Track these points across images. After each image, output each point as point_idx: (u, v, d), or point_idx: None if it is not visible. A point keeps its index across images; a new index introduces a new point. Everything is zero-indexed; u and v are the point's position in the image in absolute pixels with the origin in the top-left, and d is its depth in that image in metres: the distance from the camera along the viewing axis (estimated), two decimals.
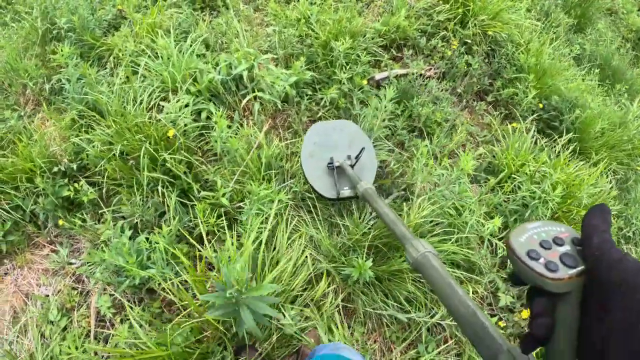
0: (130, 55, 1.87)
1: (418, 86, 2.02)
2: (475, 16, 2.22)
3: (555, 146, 2.01)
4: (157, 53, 1.83)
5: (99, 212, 1.67)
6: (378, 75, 2.00)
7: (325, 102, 1.87)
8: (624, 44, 3.15)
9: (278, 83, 1.77)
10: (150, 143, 1.44)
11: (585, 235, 0.33)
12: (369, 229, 1.49)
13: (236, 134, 1.62)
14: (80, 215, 1.64)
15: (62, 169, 1.73)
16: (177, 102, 1.55)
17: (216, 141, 1.53)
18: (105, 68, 2.03)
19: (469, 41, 2.24)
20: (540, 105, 2.08)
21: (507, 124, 2.12)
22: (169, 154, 1.44)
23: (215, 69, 1.83)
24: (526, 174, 1.70)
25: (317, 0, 2.31)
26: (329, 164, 1.50)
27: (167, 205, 1.47)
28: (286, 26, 2.18)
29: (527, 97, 2.07)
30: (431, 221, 1.40)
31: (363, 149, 1.43)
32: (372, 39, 2.12)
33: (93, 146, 1.58)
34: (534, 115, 2.08)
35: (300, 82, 1.87)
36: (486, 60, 2.28)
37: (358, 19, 2.18)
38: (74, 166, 1.71)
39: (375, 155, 1.60)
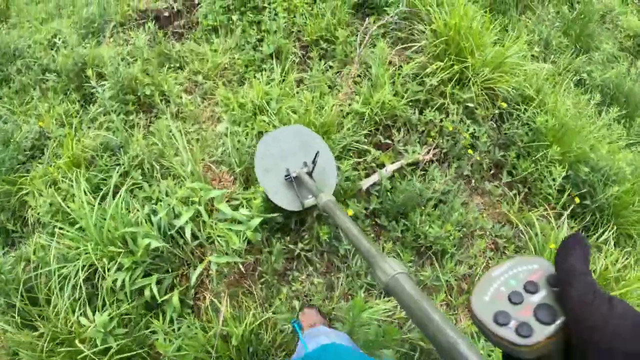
0: (44, 216, 1.44)
1: (419, 181, 1.60)
2: (475, 72, 1.76)
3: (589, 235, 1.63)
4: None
5: None
6: (365, 183, 1.58)
7: (305, 236, 1.47)
8: (633, 62, 2.69)
9: (235, 232, 1.35)
10: None
11: (561, 281, 0.26)
12: None
13: (185, 327, 1.23)
14: None
15: None
16: (98, 314, 1.15)
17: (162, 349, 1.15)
18: (27, 225, 1.60)
19: (471, 105, 1.80)
20: (577, 199, 1.67)
21: (528, 208, 1.72)
22: None
23: (153, 216, 1.41)
24: None
25: (276, 75, 1.84)
26: (286, 176, 1.42)
27: None
28: (239, 122, 1.73)
29: (551, 176, 1.67)
30: None
31: (318, 152, 1.34)
32: (352, 127, 1.68)
33: None
34: (564, 197, 1.68)
35: (268, 219, 1.45)
36: (494, 127, 1.85)
37: (328, 98, 1.72)
38: None
39: (332, 155, 1.50)
